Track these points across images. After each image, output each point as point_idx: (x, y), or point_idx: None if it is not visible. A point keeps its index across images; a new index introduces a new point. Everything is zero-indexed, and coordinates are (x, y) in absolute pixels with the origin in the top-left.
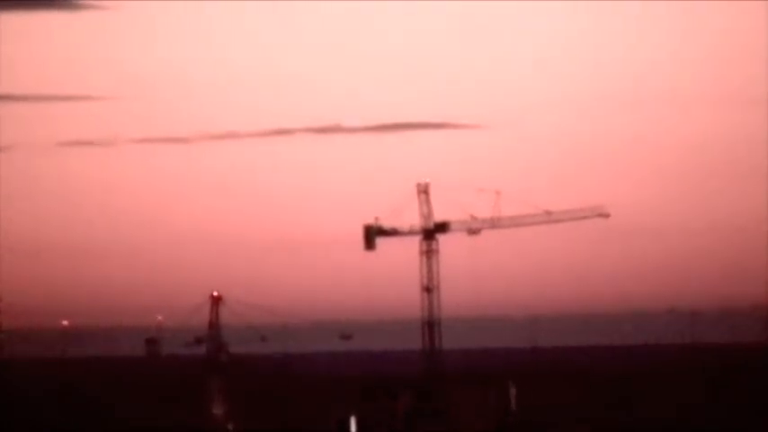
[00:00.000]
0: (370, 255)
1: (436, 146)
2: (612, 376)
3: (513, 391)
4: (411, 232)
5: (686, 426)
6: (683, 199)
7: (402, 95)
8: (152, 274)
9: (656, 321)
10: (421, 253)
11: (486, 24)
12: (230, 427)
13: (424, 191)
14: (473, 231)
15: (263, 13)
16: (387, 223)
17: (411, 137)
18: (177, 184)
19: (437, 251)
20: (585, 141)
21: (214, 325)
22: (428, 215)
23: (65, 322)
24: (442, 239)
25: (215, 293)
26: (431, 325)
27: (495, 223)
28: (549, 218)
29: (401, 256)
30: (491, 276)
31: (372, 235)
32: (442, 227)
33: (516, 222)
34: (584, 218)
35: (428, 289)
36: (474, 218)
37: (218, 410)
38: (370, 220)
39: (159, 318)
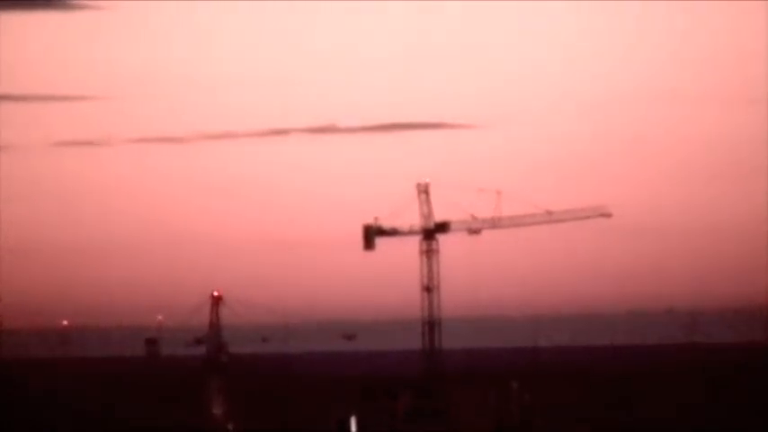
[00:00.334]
0: (371, 255)
1: (436, 146)
2: (613, 376)
3: (513, 391)
4: (411, 232)
5: (686, 426)
6: (684, 199)
7: (401, 95)
8: (152, 274)
9: (656, 321)
10: (421, 253)
11: (485, 24)
12: (230, 427)
13: (424, 191)
14: (473, 231)
15: (259, 13)
16: (386, 223)
17: (410, 137)
18: (176, 184)
19: (437, 251)
20: (586, 141)
21: (214, 325)
22: (428, 215)
23: (64, 322)
24: (442, 239)
25: (215, 293)
26: (431, 325)
27: (495, 223)
28: (550, 218)
29: (401, 255)
30: (491, 276)
31: (372, 235)
32: (443, 227)
33: (517, 222)
34: (586, 218)
35: (428, 289)
36: (474, 218)
37: (218, 410)
38: (370, 221)
39: (159, 318)
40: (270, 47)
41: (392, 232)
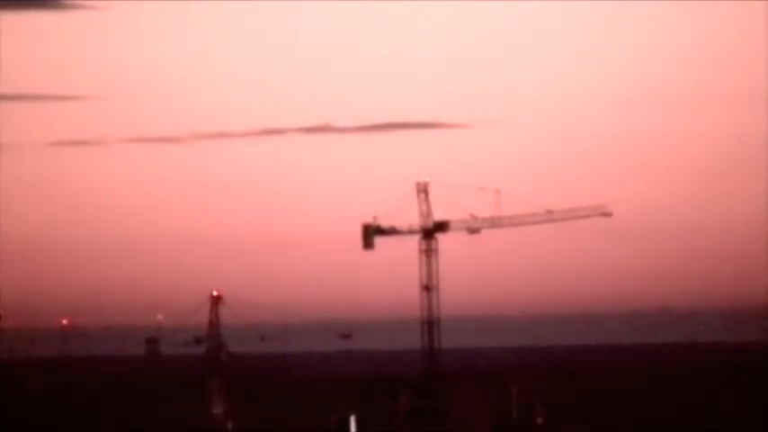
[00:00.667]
0: (370, 254)
1: (434, 145)
2: (613, 376)
3: (512, 390)
4: (410, 231)
5: (686, 426)
6: (684, 198)
7: (398, 95)
8: (151, 274)
9: (656, 321)
10: (420, 252)
11: (483, 24)
12: (230, 426)
13: (423, 190)
14: (473, 230)
15: (255, 13)
16: (385, 222)
17: (407, 136)
18: (175, 184)
19: (436, 250)
20: (586, 140)
21: (214, 324)
22: (427, 214)
23: (64, 322)
24: (442, 239)
25: (215, 293)
26: (430, 324)
27: (495, 222)
28: (550, 217)
29: (400, 255)
30: (491, 276)
31: (371, 234)
32: (442, 226)
33: (517, 221)
34: (586, 217)
35: (428, 288)
36: (474, 217)
37: (217, 410)
38: (368, 220)
39: (159, 317)
40: (265, 47)
41: (391, 231)
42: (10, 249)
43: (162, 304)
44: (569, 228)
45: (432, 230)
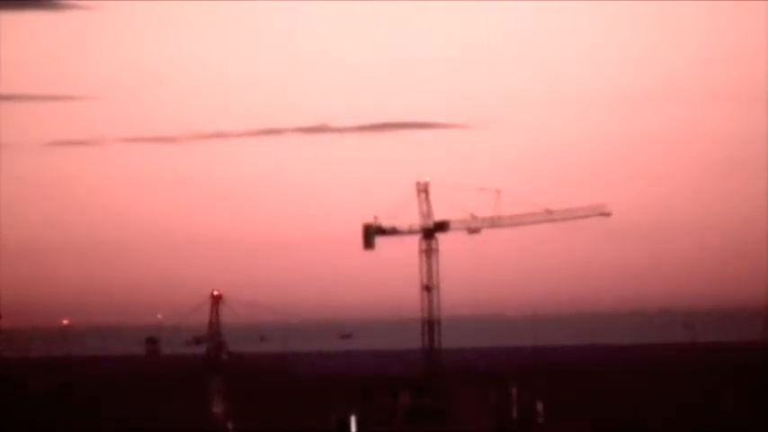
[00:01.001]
0: (370, 254)
1: (435, 145)
2: (613, 376)
3: (513, 390)
4: (410, 231)
5: (686, 426)
6: (684, 198)
7: (399, 95)
8: (151, 274)
9: (656, 320)
10: (420, 252)
11: (483, 23)
12: (230, 425)
13: (423, 190)
14: (473, 230)
15: (252, 13)
16: (386, 222)
17: (409, 136)
18: (174, 184)
19: (437, 250)
20: (586, 141)
21: (214, 324)
22: (428, 214)
23: (65, 321)
24: (442, 238)
25: (215, 292)
26: (431, 324)
27: (495, 222)
28: (549, 217)
29: (401, 255)
30: (491, 275)
31: (371, 234)
32: (442, 226)
33: (516, 221)
34: (586, 217)
35: (428, 288)
36: (474, 217)
37: (217, 409)
38: (369, 220)
39: (159, 317)
40: (263, 47)
41: (392, 231)
42: (9, 249)
43: (162, 304)
44: (569, 228)
45: (432, 230)
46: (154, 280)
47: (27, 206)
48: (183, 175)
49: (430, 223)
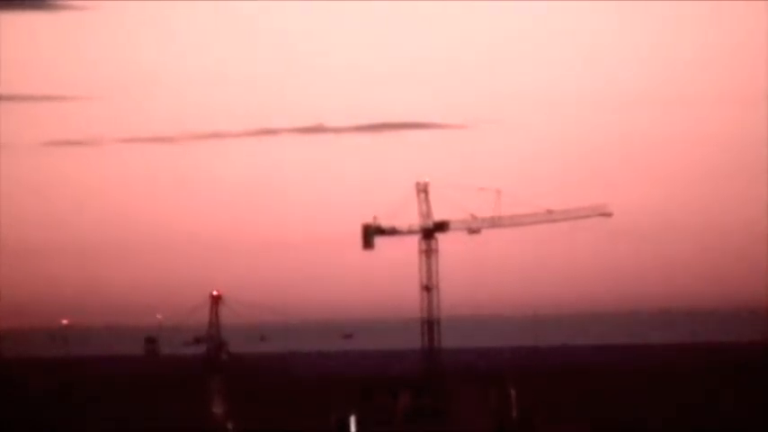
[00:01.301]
0: (370, 254)
1: (434, 146)
2: (613, 376)
3: (513, 390)
4: (410, 231)
5: (686, 425)
6: (684, 199)
7: (401, 96)
8: (151, 274)
9: (656, 320)
10: (420, 252)
11: (482, 24)
12: (230, 426)
13: (423, 190)
14: (473, 230)
15: (248, 13)
16: (385, 222)
17: (410, 136)
18: (174, 184)
19: (436, 250)
20: (587, 141)
21: (214, 324)
22: (427, 214)
23: (64, 321)
24: (442, 238)
25: (215, 293)
26: (430, 324)
27: (495, 222)
28: (550, 217)
29: (400, 255)
30: (491, 275)
31: (371, 234)
32: (442, 226)
33: (517, 221)
34: (586, 217)
35: (428, 288)
36: (474, 217)
37: (217, 410)
38: (368, 220)
39: (159, 317)
40: (259, 47)
41: (391, 232)
42: (9, 250)
43: (161, 304)
44: (570, 228)
45: (432, 230)
46: (153, 280)
47: (25, 206)
48: (181, 176)
49: (429, 223)
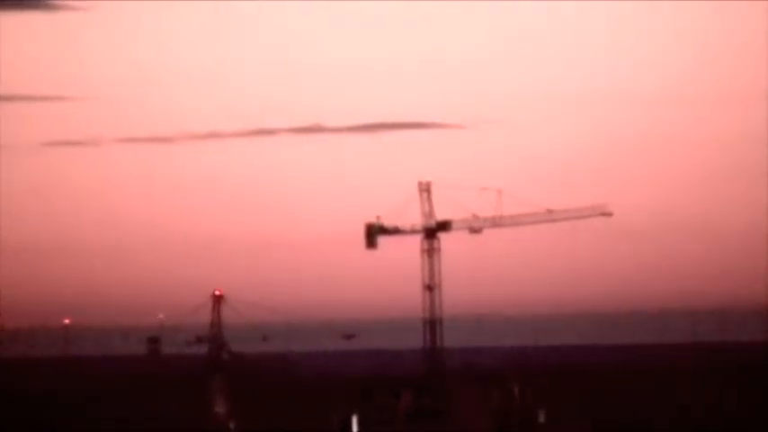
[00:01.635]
0: (372, 253)
1: (437, 146)
2: (614, 375)
3: (514, 390)
4: (413, 231)
5: (687, 426)
6: (685, 199)
7: (401, 96)
8: (153, 274)
9: (657, 320)
10: (422, 251)
11: (482, 24)
12: (232, 425)
13: (425, 189)
14: (475, 230)
15: (245, 13)
16: (388, 222)
17: (411, 137)
18: (175, 185)
19: (439, 250)
20: (587, 141)
21: (216, 324)
22: (429, 214)
23: (66, 321)
24: (444, 238)
25: (217, 292)
26: (432, 324)
27: (496, 222)
28: (550, 217)
29: (403, 254)
30: (493, 275)
31: (374, 234)
32: (444, 225)
33: (518, 221)
34: (587, 217)
35: (429, 287)
36: (476, 216)
37: (219, 409)
38: (369, 220)
39: (161, 317)
40: (260, 47)
41: (394, 231)
42: (10, 250)
43: (163, 304)
44: (571, 228)
45: (434, 230)
46: (155, 280)
47: (25, 207)
48: (181, 176)
49: (432, 223)
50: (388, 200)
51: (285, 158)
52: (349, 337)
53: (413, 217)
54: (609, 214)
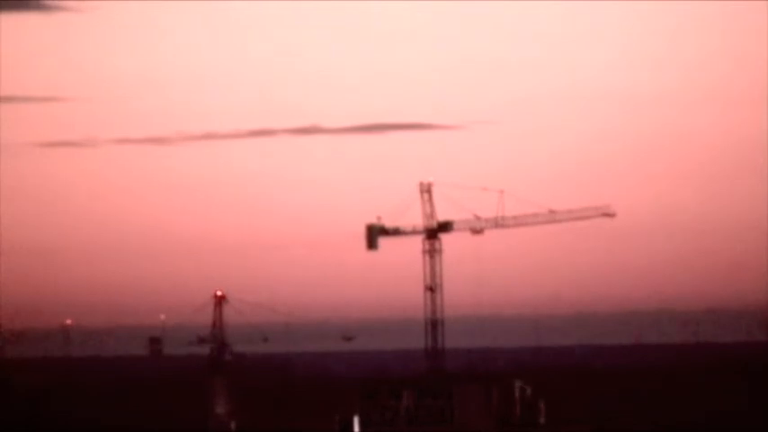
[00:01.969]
0: (374, 254)
1: (438, 147)
2: (616, 376)
3: (516, 390)
4: (414, 232)
5: (687, 426)
6: (687, 199)
7: (401, 97)
8: (155, 275)
9: (658, 321)
10: (424, 252)
11: (482, 23)
12: (233, 426)
13: (426, 190)
14: (476, 231)
15: (242, 13)
16: (389, 222)
17: (410, 137)
18: (175, 185)
19: (440, 250)
20: (587, 141)
21: (217, 324)
22: (431, 214)
23: (68, 321)
24: (445, 239)
25: (218, 293)
26: (434, 324)
27: (498, 223)
28: (553, 217)
29: (404, 255)
30: (494, 276)
31: (375, 234)
32: (445, 226)
33: (520, 222)
34: (589, 217)
35: (431, 288)
36: (477, 217)
37: (220, 410)
38: (371, 220)
39: (162, 317)
40: (256, 48)
41: (395, 232)
42: (9, 250)
43: (164, 305)
44: (573, 228)
45: (435, 231)
46: (156, 281)
47: (22, 208)
48: (181, 176)
49: (433, 224)
50: (387, 201)
51: (284, 159)
52: (348, 338)
53: (413, 218)
54: (612, 215)
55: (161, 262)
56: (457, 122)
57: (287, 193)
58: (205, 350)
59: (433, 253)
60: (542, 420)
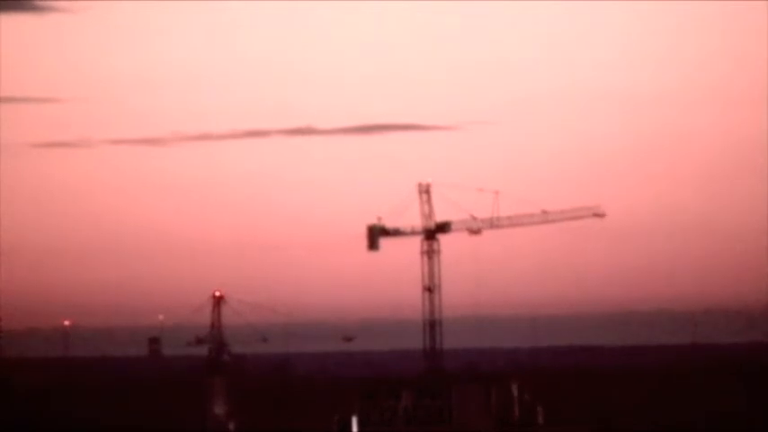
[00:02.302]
0: (373, 254)
1: (434, 148)
2: (614, 377)
3: (514, 391)
4: (413, 232)
5: (687, 426)
6: (683, 199)
7: (396, 98)
8: (153, 275)
9: (656, 321)
10: (422, 253)
11: (481, 24)
12: (231, 427)
13: (425, 191)
14: (474, 231)
15: (239, 13)
16: (389, 223)
17: (405, 138)
18: (175, 185)
19: (438, 251)
20: (585, 141)
21: (216, 325)
22: (429, 215)
23: (66, 322)
24: (443, 239)
25: (216, 293)
26: (432, 325)
27: (494, 223)
28: (546, 217)
29: (403, 255)
30: (492, 276)
31: (376, 235)
32: (443, 227)
33: (514, 222)
34: (581, 217)
35: (429, 289)
36: (474, 218)
37: (219, 410)
38: (372, 221)
39: (160, 317)
40: (251, 48)
41: (395, 232)
42: (9, 250)
43: (163, 305)
44: (572, 228)
45: (433, 231)
46: (154, 282)
47: (20, 208)
48: (177, 177)
49: (432, 224)
50: (384, 202)
51: (282, 159)
52: (348, 339)
53: (412, 218)
54: (601, 215)
55: (159, 262)
56: (452, 123)
57: (285, 194)
58: (204, 351)
59: (431, 253)
60: (540, 422)
